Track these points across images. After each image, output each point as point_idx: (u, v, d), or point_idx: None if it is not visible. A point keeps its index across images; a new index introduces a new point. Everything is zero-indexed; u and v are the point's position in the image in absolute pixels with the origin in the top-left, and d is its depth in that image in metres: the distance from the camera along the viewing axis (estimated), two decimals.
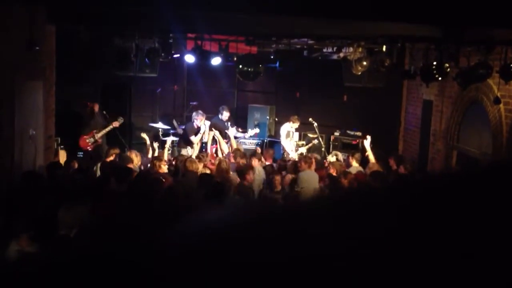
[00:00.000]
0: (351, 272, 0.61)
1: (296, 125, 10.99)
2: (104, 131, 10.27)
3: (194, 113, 10.58)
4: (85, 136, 10.22)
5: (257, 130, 11.36)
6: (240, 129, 11.76)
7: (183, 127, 11.02)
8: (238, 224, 0.72)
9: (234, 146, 9.78)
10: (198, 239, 0.67)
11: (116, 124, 10.33)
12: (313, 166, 8.12)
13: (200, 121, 10.33)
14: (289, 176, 8.02)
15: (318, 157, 9.39)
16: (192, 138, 10.27)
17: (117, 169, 6.92)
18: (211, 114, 11.40)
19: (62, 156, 9.43)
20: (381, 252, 0.62)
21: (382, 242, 0.64)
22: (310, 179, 7.68)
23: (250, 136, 11.46)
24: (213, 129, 10.23)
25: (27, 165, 7.07)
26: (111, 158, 8.28)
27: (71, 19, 7.76)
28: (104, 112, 10.54)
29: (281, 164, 9.28)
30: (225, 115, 10.93)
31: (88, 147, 10.19)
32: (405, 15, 6.82)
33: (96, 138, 10.19)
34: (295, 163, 8.60)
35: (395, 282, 0.59)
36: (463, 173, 0.84)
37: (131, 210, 5.10)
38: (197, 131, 10.31)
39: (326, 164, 8.92)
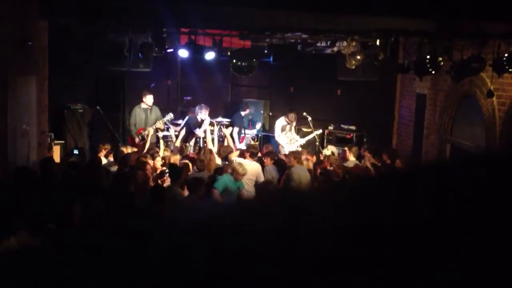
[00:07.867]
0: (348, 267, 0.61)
1: (293, 123, 10.75)
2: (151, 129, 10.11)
3: (197, 107, 10.57)
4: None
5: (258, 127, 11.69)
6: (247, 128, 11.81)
7: (182, 121, 10.88)
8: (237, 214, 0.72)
9: (231, 144, 9.71)
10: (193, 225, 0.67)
11: (159, 125, 10.22)
12: (307, 162, 8.14)
13: (204, 114, 10.37)
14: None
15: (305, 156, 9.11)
16: (197, 131, 10.33)
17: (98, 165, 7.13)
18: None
19: (56, 152, 9.40)
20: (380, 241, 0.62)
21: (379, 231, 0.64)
22: (302, 174, 7.69)
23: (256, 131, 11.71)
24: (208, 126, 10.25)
25: (21, 161, 7.03)
26: (102, 153, 8.30)
27: (63, 14, 7.71)
28: (98, 108, 10.48)
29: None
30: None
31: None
32: (398, 9, 6.83)
33: (144, 135, 10.11)
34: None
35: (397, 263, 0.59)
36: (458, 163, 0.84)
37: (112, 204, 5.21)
38: (200, 123, 10.36)
39: (322, 158, 8.90)
